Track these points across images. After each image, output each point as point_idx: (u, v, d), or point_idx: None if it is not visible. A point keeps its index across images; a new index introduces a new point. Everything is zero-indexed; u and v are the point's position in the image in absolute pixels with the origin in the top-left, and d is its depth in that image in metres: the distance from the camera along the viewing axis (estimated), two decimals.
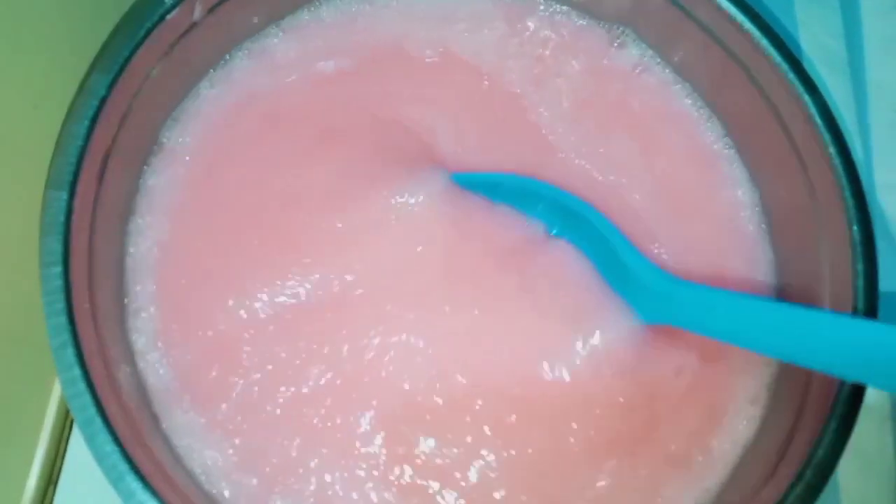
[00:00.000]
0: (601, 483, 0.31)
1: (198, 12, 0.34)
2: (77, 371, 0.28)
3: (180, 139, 0.36)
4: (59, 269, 0.29)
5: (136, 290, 0.34)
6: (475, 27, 0.38)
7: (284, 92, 0.37)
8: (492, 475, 0.31)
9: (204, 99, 0.37)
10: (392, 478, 0.31)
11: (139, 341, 0.33)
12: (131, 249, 0.34)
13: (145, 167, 0.35)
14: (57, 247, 0.29)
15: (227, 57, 0.37)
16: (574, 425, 0.32)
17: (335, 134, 0.36)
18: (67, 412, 0.36)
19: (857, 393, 0.28)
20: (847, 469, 0.35)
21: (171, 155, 0.36)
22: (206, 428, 0.32)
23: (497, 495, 0.31)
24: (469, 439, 0.31)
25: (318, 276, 0.33)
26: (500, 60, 0.37)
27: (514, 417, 0.32)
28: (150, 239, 0.34)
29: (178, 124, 0.36)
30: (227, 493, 0.31)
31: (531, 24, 0.38)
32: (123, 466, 0.28)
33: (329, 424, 0.32)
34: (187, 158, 0.36)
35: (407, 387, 0.32)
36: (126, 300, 0.34)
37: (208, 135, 0.36)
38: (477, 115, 0.37)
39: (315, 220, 0.34)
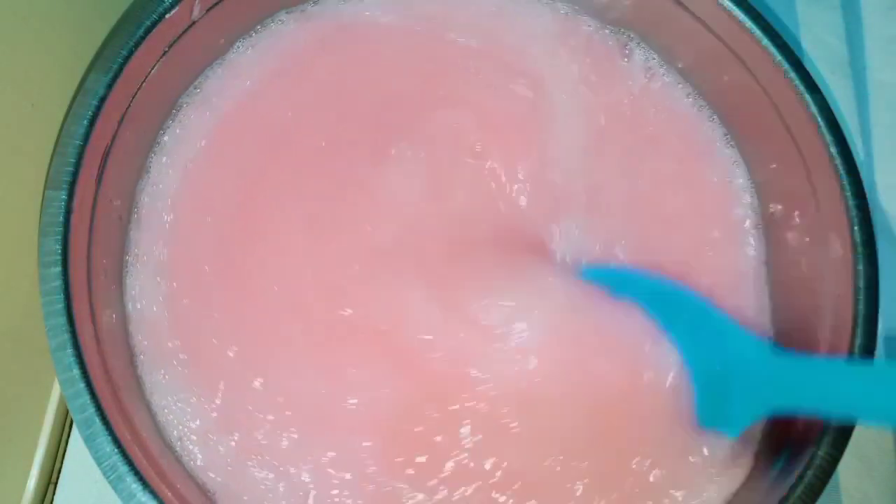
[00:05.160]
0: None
1: (196, 11, 0.34)
2: (76, 371, 0.28)
3: (180, 138, 0.36)
4: (57, 269, 0.29)
5: (136, 289, 0.34)
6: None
7: (288, 90, 0.37)
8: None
9: (203, 97, 0.36)
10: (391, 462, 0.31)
11: (139, 341, 0.33)
12: (131, 249, 0.34)
13: (144, 167, 0.35)
14: (56, 247, 0.29)
15: (228, 55, 0.37)
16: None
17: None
18: (67, 412, 0.36)
19: None
20: (847, 469, 0.35)
21: (170, 154, 0.36)
22: (216, 421, 0.32)
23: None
24: None
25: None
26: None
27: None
28: (151, 239, 0.34)
29: (178, 123, 0.36)
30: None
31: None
32: (123, 467, 0.28)
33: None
34: (187, 157, 0.36)
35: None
36: (126, 299, 0.34)
37: (208, 133, 0.36)
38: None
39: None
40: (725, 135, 0.36)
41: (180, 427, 0.32)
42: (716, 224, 0.35)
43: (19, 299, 0.32)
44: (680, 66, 0.37)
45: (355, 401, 0.32)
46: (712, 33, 0.34)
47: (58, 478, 0.36)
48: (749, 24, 0.32)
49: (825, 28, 0.41)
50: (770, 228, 0.35)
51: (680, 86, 0.37)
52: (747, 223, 0.35)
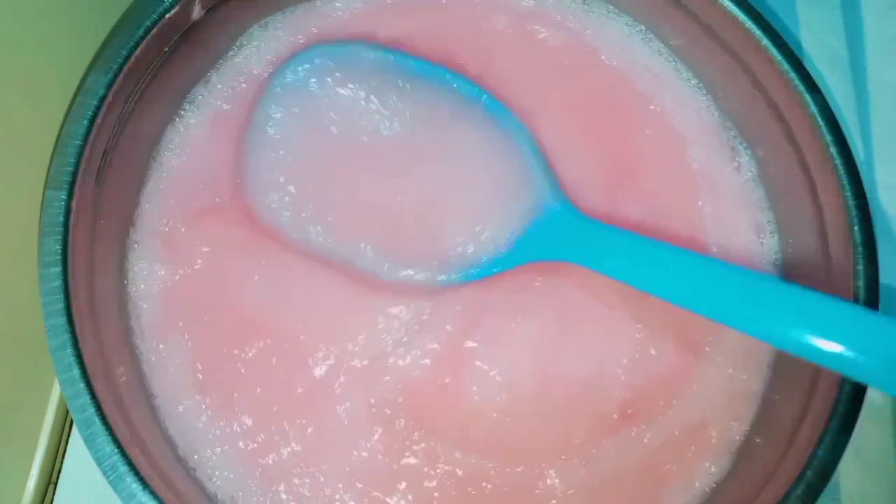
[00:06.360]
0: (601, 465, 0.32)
1: (196, 11, 0.34)
2: (76, 371, 0.28)
3: (179, 138, 0.36)
4: (58, 269, 0.29)
5: (136, 288, 0.34)
6: None
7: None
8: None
9: (203, 98, 0.36)
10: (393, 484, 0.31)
11: (139, 340, 0.33)
12: (131, 249, 0.34)
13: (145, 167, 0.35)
14: (56, 247, 0.29)
15: (228, 55, 0.37)
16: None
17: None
18: (67, 412, 0.36)
19: (858, 392, 0.28)
20: (847, 469, 0.35)
21: (170, 154, 0.36)
22: (211, 422, 0.32)
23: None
24: None
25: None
26: None
27: None
28: (150, 239, 0.34)
29: (177, 123, 0.36)
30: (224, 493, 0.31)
31: None
32: (123, 467, 0.28)
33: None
34: (186, 158, 0.36)
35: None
36: (126, 299, 0.34)
37: (208, 133, 0.36)
38: None
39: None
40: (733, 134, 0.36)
41: None
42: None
43: (19, 299, 0.32)
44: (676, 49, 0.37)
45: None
46: (710, 32, 0.34)
47: (58, 478, 0.36)
48: (748, 23, 0.32)
49: (825, 28, 0.41)
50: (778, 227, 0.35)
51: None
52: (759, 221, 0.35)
